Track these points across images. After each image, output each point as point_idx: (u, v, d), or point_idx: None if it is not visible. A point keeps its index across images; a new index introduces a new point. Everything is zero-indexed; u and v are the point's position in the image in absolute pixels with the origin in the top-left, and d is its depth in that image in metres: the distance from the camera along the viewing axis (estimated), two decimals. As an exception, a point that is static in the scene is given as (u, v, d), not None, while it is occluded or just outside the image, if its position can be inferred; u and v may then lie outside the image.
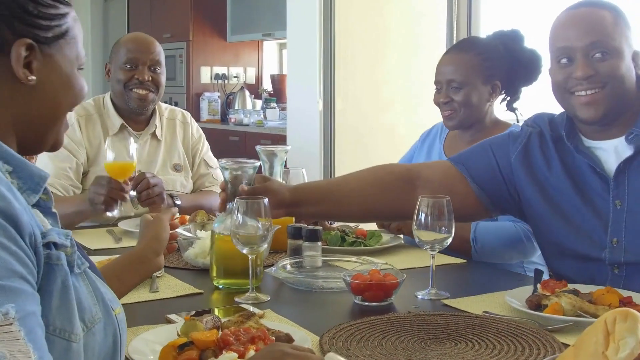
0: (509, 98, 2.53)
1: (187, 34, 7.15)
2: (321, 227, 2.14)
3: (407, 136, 4.29)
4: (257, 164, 1.94)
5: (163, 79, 2.88)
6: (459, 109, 2.42)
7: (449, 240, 1.80)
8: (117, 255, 1.70)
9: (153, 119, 2.95)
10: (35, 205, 1.13)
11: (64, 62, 1.19)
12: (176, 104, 7.24)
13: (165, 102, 7.75)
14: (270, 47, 7.44)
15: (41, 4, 1.14)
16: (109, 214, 2.47)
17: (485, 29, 4.39)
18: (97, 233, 2.56)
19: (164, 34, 7.49)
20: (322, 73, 5.02)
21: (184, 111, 3.12)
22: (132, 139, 2.47)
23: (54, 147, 1.24)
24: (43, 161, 2.75)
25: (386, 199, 2.04)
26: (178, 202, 2.77)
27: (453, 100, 2.43)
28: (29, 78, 1.13)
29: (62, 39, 1.18)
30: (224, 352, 1.29)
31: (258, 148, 2.27)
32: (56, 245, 1.07)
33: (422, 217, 1.79)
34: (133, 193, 2.53)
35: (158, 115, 2.98)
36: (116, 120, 2.86)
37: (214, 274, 1.90)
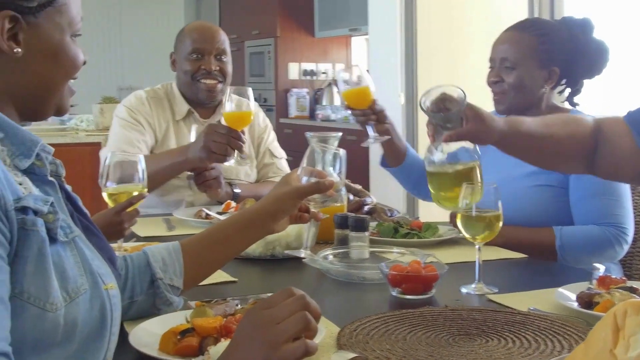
0: (569, 90, 2.34)
1: (274, 30, 7.14)
2: (368, 216, 2.03)
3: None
4: None
5: (230, 67, 2.84)
6: (509, 91, 2.26)
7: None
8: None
9: (220, 108, 2.90)
10: (30, 172, 1.12)
11: (54, 31, 1.17)
12: (265, 100, 7.25)
13: (255, 99, 7.83)
14: (358, 42, 7.34)
15: None
16: (226, 163, 2.47)
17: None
18: (152, 221, 2.52)
19: (252, 30, 7.52)
20: (404, 66, 4.89)
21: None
22: (249, 89, 2.44)
23: (58, 112, 1.24)
24: (115, 131, 2.75)
25: (579, 158, 1.84)
26: (237, 191, 2.72)
27: (503, 80, 2.27)
28: (15, 50, 1.12)
29: (50, 6, 1.15)
30: (222, 339, 1.21)
31: (308, 134, 2.18)
32: (35, 211, 1.03)
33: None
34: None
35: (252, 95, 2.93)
36: (183, 106, 2.84)
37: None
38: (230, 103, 2.39)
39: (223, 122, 2.46)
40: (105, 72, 8.66)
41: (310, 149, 1.62)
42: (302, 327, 0.99)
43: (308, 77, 7.21)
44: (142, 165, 1.88)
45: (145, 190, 1.88)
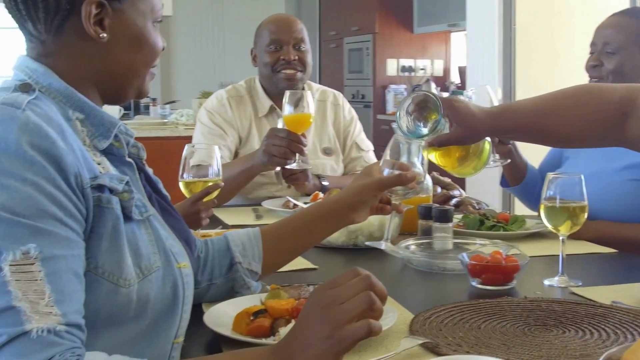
0: None
1: (373, 26, 7.13)
2: (452, 208, 2.01)
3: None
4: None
5: (309, 57, 2.83)
6: (607, 77, 2.18)
7: None
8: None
9: (302, 101, 2.90)
10: (109, 153, 1.16)
11: (137, 17, 1.20)
12: (363, 97, 7.26)
13: (352, 95, 7.79)
14: (458, 38, 7.25)
15: None
16: (288, 166, 2.46)
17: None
18: (241, 210, 2.57)
19: (351, 27, 7.53)
20: (501, 61, 4.80)
21: (336, 92, 3.04)
22: (308, 93, 2.41)
23: (138, 96, 1.27)
24: (197, 137, 2.81)
25: (597, 132, 1.65)
26: (325, 183, 2.73)
27: (603, 65, 2.20)
28: (101, 35, 1.16)
29: None
30: (293, 321, 1.23)
31: (394, 125, 2.17)
32: (110, 189, 1.08)
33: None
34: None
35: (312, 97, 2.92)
36: (266, 102, 2.86)
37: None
38: (288, 106, 2.37)
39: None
40: (207, 68, 8.84)
41: (394, 140, 1.61)
42: (366, 307, 0.99)
43: (406, 73, 7.17)
44: (217, 157, 1.94)
45: (221, 180, 1.93)
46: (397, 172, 1.54)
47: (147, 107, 6.45)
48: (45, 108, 1.07)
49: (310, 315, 1.00)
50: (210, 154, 1.95)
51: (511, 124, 1.62)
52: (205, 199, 1.88)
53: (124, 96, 1.24)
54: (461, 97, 1.61)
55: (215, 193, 1.91)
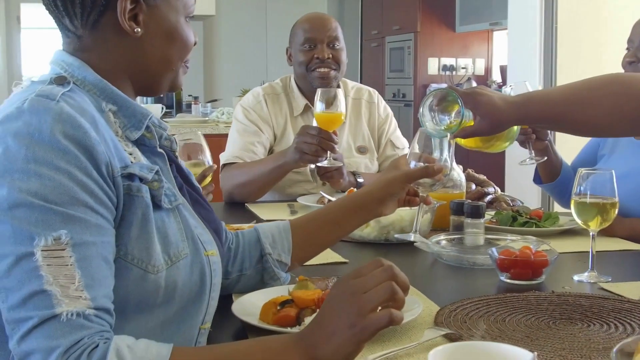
0: None
1: (415, 25, 7.12)
2: (484, 203, 2.01)
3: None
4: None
5: (343, 55, 2.83)
6: None
7: None
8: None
9: (336, 101, 2.91)
10: (140, 144, 1.19)
11: (170, 13, 1.23)
12: (403, 95, 7.25)
13: (393, 94, 7.73)
14: (500, 37, 7.21)
15: None
16: (319, 164, 2.48)
17: None
18: (277, 206, 2.60)
19: (393, 26, 7.54)
20: (543, 59, 4.77)
21: (371, 90, 3.04)
22: (339, 91, 2.43)
23: (171, 89, 1.30)
24: (232, 134, 2.84)
25: (626, 123, 1.63)
26: (360, 180, 2.74)
27: None
28: (135, 30, 1.19)
29: None
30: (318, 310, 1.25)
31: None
32: (140, 178, 1.11)
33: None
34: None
35: (343, 95, 2.93)
36: (301, 101, 2.87)
37: None
38: (320, 103, 2.39)
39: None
40: (249, 67, 8.89)
41: (420, 132, 1.63)
42: (388, 297, 1.00)
43: (447, 72, 7.15)
44: (204, 144, 2.04)
45: (213, 164, 2.03)
46: (423, 164, 1.56)
47: (189, 106, 6.53)
48: (78, 100, 1.10)
49: (334, 304, 1.02)
50: (197, 143, 2.04)
51: (537, 113, 1.61)
52: (203, 184, 1.94)
53: (157, 89, 1.28)
54: (485, 88, 1.62)
55: (210, 176, 1.99)
